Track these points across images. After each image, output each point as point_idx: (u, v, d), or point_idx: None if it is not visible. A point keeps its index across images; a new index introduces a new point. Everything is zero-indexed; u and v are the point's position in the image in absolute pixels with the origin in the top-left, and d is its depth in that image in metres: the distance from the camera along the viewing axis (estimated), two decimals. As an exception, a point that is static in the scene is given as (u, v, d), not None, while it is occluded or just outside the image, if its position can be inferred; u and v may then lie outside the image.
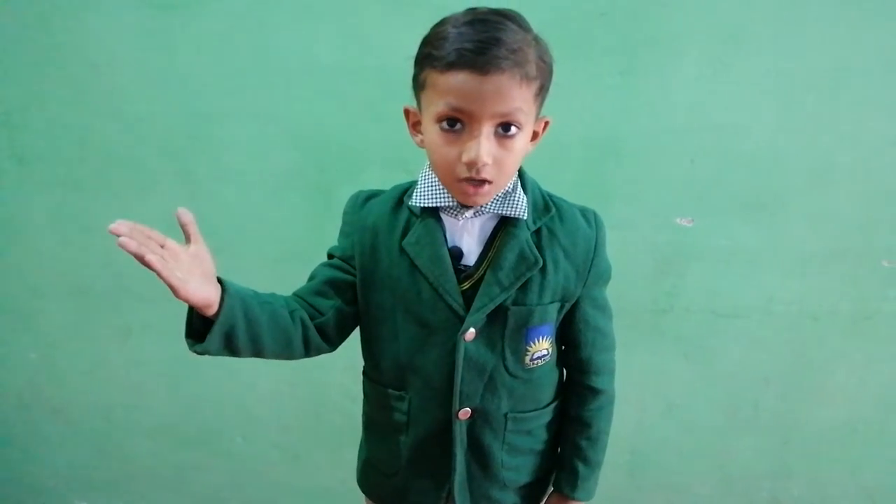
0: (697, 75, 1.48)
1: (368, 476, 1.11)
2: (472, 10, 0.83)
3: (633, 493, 1.83)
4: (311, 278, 1.00)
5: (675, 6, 1.44)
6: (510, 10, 0.83)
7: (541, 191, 0.98)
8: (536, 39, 0.84)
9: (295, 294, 0.96)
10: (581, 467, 1.04)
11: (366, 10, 1.44)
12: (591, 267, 0.96)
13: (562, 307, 0.97)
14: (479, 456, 0.99)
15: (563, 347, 1.04)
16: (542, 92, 0.86)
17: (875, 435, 1.75)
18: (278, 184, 1.56)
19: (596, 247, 0.97)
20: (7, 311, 1.67)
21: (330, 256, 1.02)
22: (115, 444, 1.79)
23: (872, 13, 1.44)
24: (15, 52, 1.47)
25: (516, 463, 1.02)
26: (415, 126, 0.92)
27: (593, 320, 1.00)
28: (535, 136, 0.91)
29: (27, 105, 1.51)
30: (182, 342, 1.67)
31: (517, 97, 0.80)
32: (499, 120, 0.81)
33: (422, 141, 0.90)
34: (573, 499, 1.06)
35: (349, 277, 0.97)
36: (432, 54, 0.81)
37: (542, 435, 1.04)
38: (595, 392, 1.02)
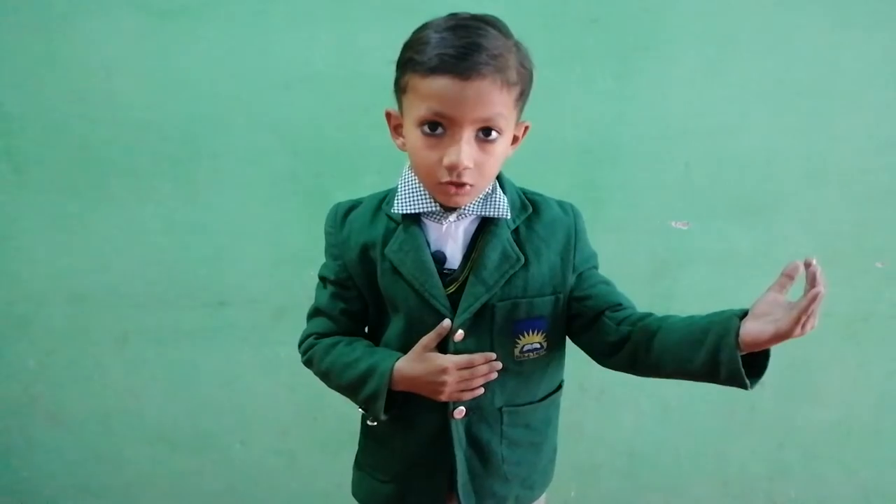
0: (690, 79, 1.49)
1: (363, 484, 1.10)
2: (453, 16, 0.83)
3: (631, 495, 1.83)
4: (317, 311, 1.03)
5: (668, 11, 1.45)
6: (491, 16, 0.84)
7: (517, 190, 0.99)
8: (517, 45, 0.85)
9: (335, 336, 1.01)
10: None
11: (362, 16, 1.45)
12: (576, 251, 0.97)
13: (557, 300, 0.96)
14: (479, 453, 0.99)
15: (593, 322, 0.96)
16: (522, 97, 0.87)
17: (870, 435, 1.76)
18: (275, 189, 1.57)
19: (576, 232, 0.97)
20: (4, 317, 1.67)
21: (323, 279, 1.03)
22: (113, 450, 1.79)
23: (864, 17, 1.45)
24: (13, 57, 1.47)
25: (517, 457, 1.02)
26: (396, 129, 0.93)
27: (594, 289, 0.97)
28: (515, 140, 0.92)
29: (25, 111, 1.51)
30: (178, 347, 1.67)
31: (498, 102, 0.81)
32: (480, 125, 0.82)
33: (403, 144, 0.91)
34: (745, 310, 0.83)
35: (358, 300, 1.00)
36: (414, 59, 0.81)
37: (541, 427, 1.04)
38: (650, 313, 0.95)
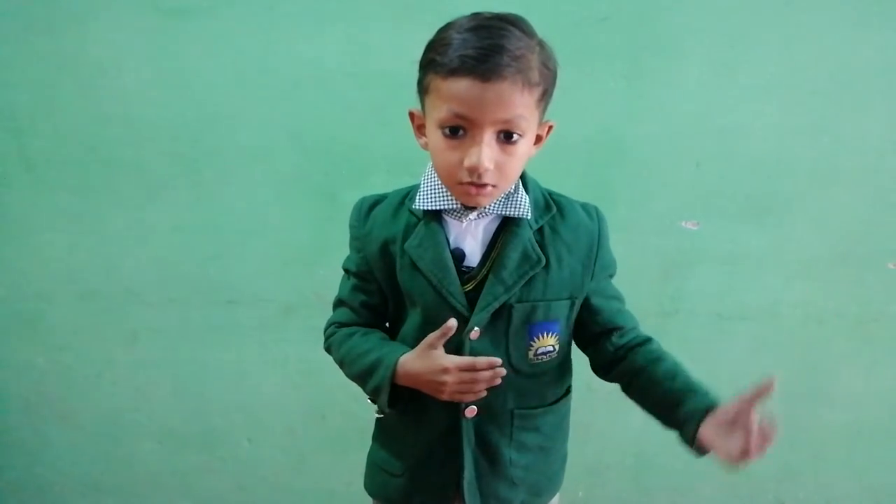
0: (701, 79, 1.48)
1: (375, 477, 1.11)
2: (476, 16, 0.83)
3: (638, 496, 1.83)
4: (340, 302, 1.05)
5: (678, 10, 1.44)
6: (514, 15, 0.83)
7: (541, 190, 0.98)
8: (540, 44, 0.84)
9: (352, 327, 1.02)
10: (698, 381, 0.94)
11: (372, 15, 1.45)
12: (597, 259, 0.97)
13: (572, 304, 0.97)
14: (488, 454, 0.99)
15: (596, 339, 1.01)
16: (545, 97, 0.86)
17: (880, 437, 1.75)
18: (284, 188, 1.57)
19: (599, 239, 0.97)
20: (14, 315, 1.68)
21: (346, 270, 1.04)
22: (121, 447, 1.80)
23: (875, 17, 1.44)
24: (22, 57, 1.48)
25: (525, 461, 1.02)
26: (419, 129, 0.93)
27: (606, 304, 1.00)
28: (538, 139, 0.91)
29: (34, 110, 1.52)
30: (187, 345, 1.68)
31: (519, 104, 0.81)
32: (500, 126, 0.82)
33: (426, 143, 0.91)
34: (715, 405, 0.88)
35: (378, 293, 1.01)
36: (436, 60, 0.81)
37: (552, 432, 1.04)
38: (648, 339, 0.99)
